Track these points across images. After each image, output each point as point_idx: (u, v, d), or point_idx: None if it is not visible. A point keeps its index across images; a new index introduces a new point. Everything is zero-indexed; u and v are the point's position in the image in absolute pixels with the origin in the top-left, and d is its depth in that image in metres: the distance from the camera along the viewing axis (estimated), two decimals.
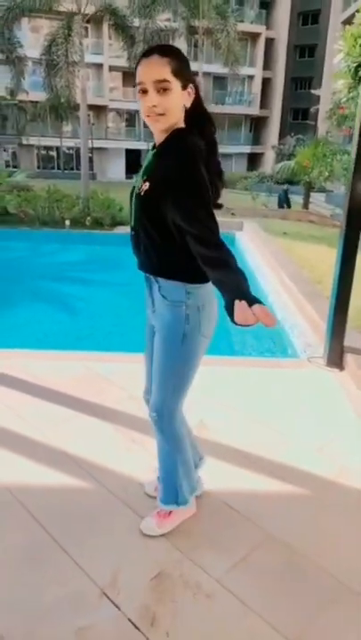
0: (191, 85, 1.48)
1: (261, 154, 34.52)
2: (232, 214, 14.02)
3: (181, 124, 1.52)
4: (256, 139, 35.44)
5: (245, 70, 27.80)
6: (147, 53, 1.45)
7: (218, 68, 22.64)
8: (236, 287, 1.29)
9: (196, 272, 1.48)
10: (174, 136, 1.50)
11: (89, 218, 12.60)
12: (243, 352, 5.09)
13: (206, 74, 27.54)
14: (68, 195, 13.13)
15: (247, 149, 34.63)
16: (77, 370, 3.30)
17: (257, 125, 35.60)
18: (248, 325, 1.21)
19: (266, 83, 34.11)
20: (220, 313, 1.61)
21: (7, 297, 7.67)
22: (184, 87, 1.46)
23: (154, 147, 1.59)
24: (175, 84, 1.43)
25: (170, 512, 1.87)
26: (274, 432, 2.64)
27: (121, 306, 7.19)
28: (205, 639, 1.49)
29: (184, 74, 1.45)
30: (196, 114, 1.54)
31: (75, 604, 1.58)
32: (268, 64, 33.75)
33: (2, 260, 10.53)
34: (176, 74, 1.42)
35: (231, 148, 33.59)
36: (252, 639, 1.49)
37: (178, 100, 1.46)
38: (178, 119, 1.50)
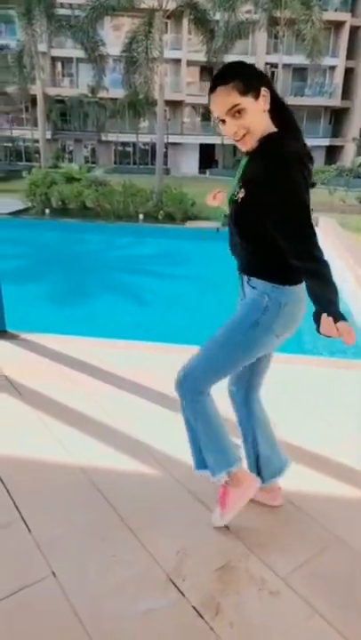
0: (263, 89, 1.48)
1: (341, 146, 33.19)
2: None
3: (272, 129, 1.52)
4: (336, 131, 34.12)
5: (327, 61, 26.81)
6: (211, 89, 1.48)
7: (298, 60, 22.04)
8: (328, 301, 1.40)
9: (286, 275, 1.56)
10: (266, 140, 1.50)
11: (162, 212, 12.81)
12: (313, 351, 4.97)
13: (286, 65, 26.90)
14: (142, 189, 13.41)
15: (326, 142, 33.43)
16: (149, 360, 3.39)
17: (337, 117, 34.26)
18: (330, 337, 1.37)
19: (348, 73, 32.65)
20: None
21: (83, 287, 8.01)
22: (257, 96, 1.46)
23: (246, 153, 1.59)
24: (247, 101, 1.45)
25: (225, 493, 1.85)
26: (345, 435, 2.55)
27: (191, 299, 7.26)
28: (268, 635, 1.49)
29: (253, 85, 1.45)
30: (274, 106, 1.53)
31: (141, 586, 1.64)
32: (351, 53, 32.25)
33: (79, 252, 10.99)
34: (244, 92, 1.44)
35: (309, 140, 32.25)
36: None
37: (256, 114, 1.47)
38: (264, 127, 1.51)
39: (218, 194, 1.92)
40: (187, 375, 1.71)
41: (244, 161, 1.59)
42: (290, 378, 3.11)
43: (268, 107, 1.49)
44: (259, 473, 1.93)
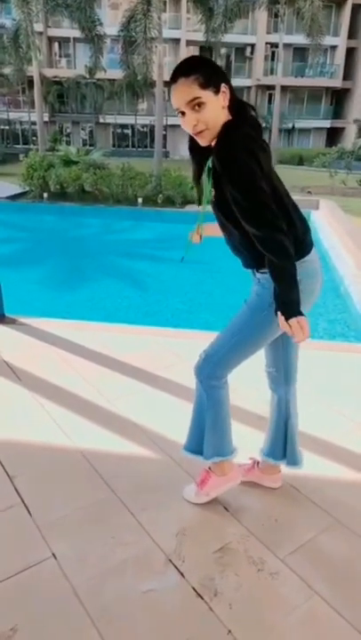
0: (223, 85, 1.48)
1: (342, 128, 32.74)
2: (308, 192, 13.52)
3: (226, 119, 1.52)
4: (337, 112, 33.59)
5: (328, 40, 26.23)
6: (172, 79, 1.48)
7: (298, 40, 21.61)
8: (283, 299, 1.46)
9: None
10: (221, 132, 1.50)
11: (161, 196, 12.67)
12: (313, 335, 4.96)
13: (286, 45, 26.39)
14: (141, 173, 13.24)
15: (327, 124, 32.97)
16: (147, 344, 3.38)
17: (338, 98, 33.71)
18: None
19: (350, 53, 32.05)
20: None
21: (81, 272, 7.96)
22: (217, 92, 1.47)
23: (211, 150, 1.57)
24: (207, 95, 1.45)
25: (207, 477, 1.89)
26: (345, 418, 2.56)
27: (189, 284, 7.22)
28: (268, 615, 1.50)
29: (213, 81, 1.46)
30: (233, 103, 1.53)
31: (141, 567, 1.64)
32: (353, 32, 31.59)
33: (77, 236, 10.91)
34: (205, 86, 1.45)
35: (309, 122, 32.17)
36: (316, 621, 1.48)
37: (215, 109, 1.48)
38: (221, 123, 1.50)
39: (198, 230, 1.91)
40: (207, 359, 1.74)
41: (210, 162, 1.56)
42: None
43: (227, 103, 1.50)
44: (284, 454, 1.95)
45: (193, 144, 1.62)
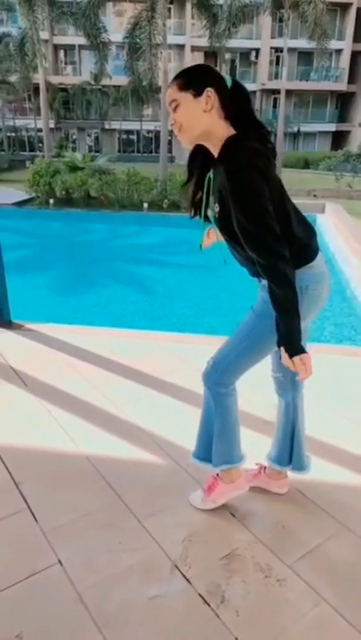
0: (208, 89, 1.46)
1: (348, 132, 32.72)
2: (314, 196, 13.50)
3: (228, 132, 1.50)
4: (342, 116, 33.58)
5: (333, 44, 26.21)
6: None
7: (303, 44, 21.60)
8: (286, 333, 1.47)
9: (295, 261, 1.50)
10: (224, 146, 1.48)
11: (166, 200, 12.70)
12: (320, 339, 4.94)
13: (291, 49, 26.44)
14: (146, 178, 13.28)
15: (332, 127, 32.96)
16: (153, 349, 3.38)
17: (343, 102, 33.70)
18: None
19: (355, 56, 32.05)
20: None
21: (87, 277, 7.99)
22: (197, 94, 1.47)
23: (213, 162, 1.55)
24: (183, 97, 1.47)
25: (214, 483, 1.88)
26: (350, 422, 2.54)
27: (195, 288, 7.23)
28: (275, 623, 1.48)
29: (193, 83, 1.47)
30: (234, 111, 1.51)
31: (147, 573, 1.64)
32: (358, 36, 31.58)
33: (83, 241, 10.96)
34: (183, 88, 1.48)
35: (315, 126, 32.17)
36: (323, 628, 1.47)
37: (190, 111, 1.48)
38: (202, 128, 1.49)
39: (209, 233, 1.89)
40: (215, 366, 1.75)
41: (211, 174, 1.56)
42: None
43: (210, 107, 1.47)
44: (291, 459, 1.94)
45: (195, 152, 1.62)
